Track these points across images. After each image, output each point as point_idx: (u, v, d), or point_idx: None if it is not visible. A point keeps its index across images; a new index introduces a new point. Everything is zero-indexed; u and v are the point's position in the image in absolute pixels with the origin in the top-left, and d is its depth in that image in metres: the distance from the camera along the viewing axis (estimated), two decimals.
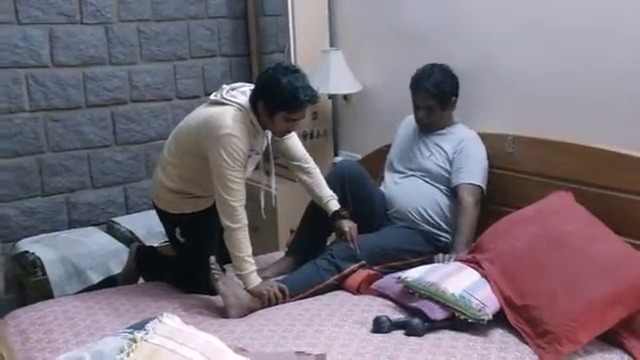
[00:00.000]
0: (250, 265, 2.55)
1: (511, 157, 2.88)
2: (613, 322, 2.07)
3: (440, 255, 2.68)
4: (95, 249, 3.61)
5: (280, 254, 3.08)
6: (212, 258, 2.51)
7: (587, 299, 2.10)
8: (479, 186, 2.85)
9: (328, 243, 2.92)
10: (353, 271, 2.68)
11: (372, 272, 2.68)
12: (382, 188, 3.05)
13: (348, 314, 2.38)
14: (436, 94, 2.89)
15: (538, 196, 2.60)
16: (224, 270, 2.73)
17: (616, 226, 2.35)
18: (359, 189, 2.93)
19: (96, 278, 3.51)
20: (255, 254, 2.67)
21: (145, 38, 4.07)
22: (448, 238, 2.89)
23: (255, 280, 2.55)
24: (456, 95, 2.97)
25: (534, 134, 2.79)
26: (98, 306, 2.58)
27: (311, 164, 2.87)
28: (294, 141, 2.85)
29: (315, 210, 2.90)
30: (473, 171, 2.87)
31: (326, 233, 2.92)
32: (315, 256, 2.75)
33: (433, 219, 2.89)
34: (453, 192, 2.90)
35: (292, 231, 3.16)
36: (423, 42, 3.30)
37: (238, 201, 2.53)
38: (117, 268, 3.48)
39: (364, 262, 2.71)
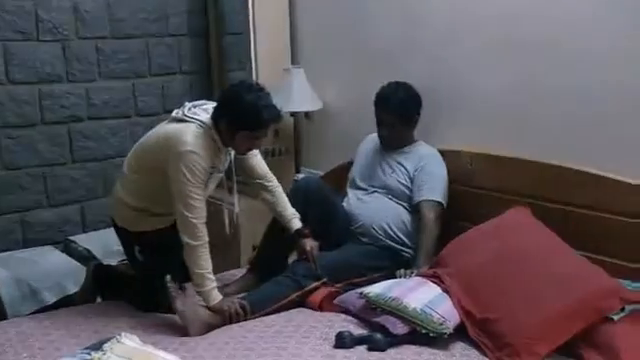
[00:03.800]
0: (210, 282, 2.52)
1: (470, 174, 2.92)
2: (571, 335, 2.10)
3: (402, 270, 2.69)
4: (51, 269, 3.52)
5: (242, 271, 3.05)
6: (168, 277, 2.47)
7: (545, 312, 2.13)
8: (440, 202, 2.88)
9: (290, 261, 2.90)
10: (315, 288, 2.67)
11: (334, 289, 2.67)
12: (344, 204, 3.06)
13: (311, 330, 2.37)
14: (400, 112, 2.94)
15: (497, 211, 2.64)
16: (182, 288, 2.70)
17: (572, 240, 2.40)
18: (321, 205, 2.94)
19: (52, 298, 3.42)
20: (217, 271, 2.64)
21: (103, 55, 4.02)
22: (410, 253, 2.91)
23: (216, 297, 2.52)
24: (419, 113, 3.01)
25: (492, 151, 2.85)
26: (54, 326, 2.52)
27: (274, 182, 2.87)
28: (257, 159, 2.85)
29: (277, 227, 2.89)
30: (434, 188, 2.90)
31: (288, 250, 2.90)
32: (277, 273, 2.74)
33: (397, 235, 2.91)
34: (415, 209, 2.92)
35: (254, 248, 3.15)
36: (383, 60, 3.35)
37: (199, 218, 2.51)
38: (74, 288, 3.40)
39: (325, 280, 2.71)
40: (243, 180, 2.93)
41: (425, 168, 2.94)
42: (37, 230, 3.89)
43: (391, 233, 2.90)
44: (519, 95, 2.76)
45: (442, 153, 2.99)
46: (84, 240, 3.87)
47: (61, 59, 3.88)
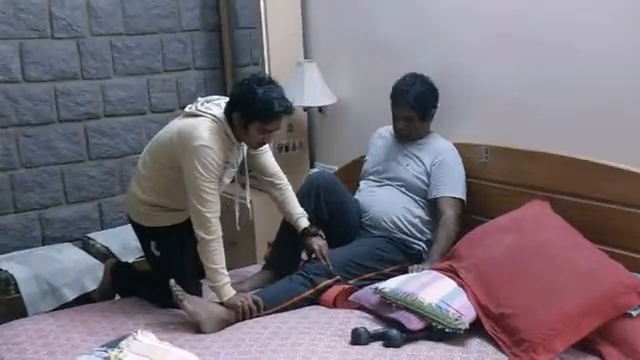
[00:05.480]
0: (224, 277, 2.53)
1: (485, 167, 2.90)
2: (589, 330, 2.08)
3: (415, 266, 2.68)
4: (70, 266, 3.56)
5: (258, 267, 3.06)
6: (172, 281, 2.47)
7: (563, 308, 2.11)
8: (460, 199, 2.87)
9: (303, 257, 2.91)
10: (328, 286, 2.67)
11: (347, 286, 2.67)
12: (356, 196, 3.06)
13: (326, 326, 2.37)
14: (416, 105, 2.91)
15: (512, 205, 2.62)
16: (199, 283, 2.71)
17: (591, 234, 2.38)
18: (333, 199, 2.93)
19: (71, 295, 3.47)
20: (232, 267, 2.65)
21: (118, 52, 4.05)
22: (421, 246, 2.90)
23: (229, 292, 2.52)
24: (435, 106, 2.99)
25: (508, 144, 2.82)
26: (72, 324, 2.54)
27: (284, 181, 2.87)
28: (268, 157, 2.85)
29: (290, 224, 2.88)
30: (453, 184, 2.88)
31: (302, 247, 2.90)
32: (292, 270, 2.74)
33: (407, 228, 2.90)
34: (432, 204, 2.91)
35: (269, 244, 3.15)
36: (397, 53, 3.32)
37: (212, 212, 2.52)
38: (92, 285, 3.45)
39: (339, 277, 2.70)
40: (254, 175, 2.93)
41: (443, 163, 2.91)
42: (56, 227, 3.94)
43: (401, 226, 2.89)
44: (535, 88, 2.72)
45: (456, 146, 2.97)
46: (102, 237, 3.91)
47: (76, 56, 3.92)
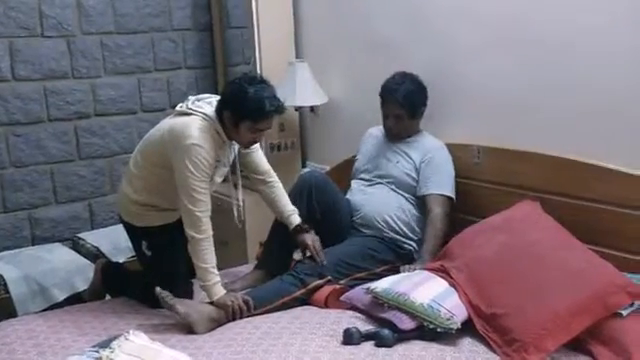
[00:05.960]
0: (214, 276, 2.52)
1: (477, 167, 2.91)
2: (579, 330, 2.09)
3: (407, 266, 2.68)
4: (59, 266, 3.54)
5: (249, 267, 3.06)
6: (158, 289, 2.46)
7: (554, 307, 2.12)
8: (449, 197, 2.87)
9: (295, 256, 2.91)
10: (319, 286, 2.66)
11: (338, 286, 2.66)
12: (348, 195, 3.06)
13: (318, 327, 2.37)
14: (406, 104, 2.92)
15: (504, 205, 2.63)
16: (190, 283, 2.71)
17: (581, 234, 2.38)
18: (325, 199, 2.94)
19: (61, 295, 3.46)
20: (224, 267, 2.64)
21: (108, 51, 4.04)
22: (412, 245, 2.91)
23: (219, 291, 2.51)
24: (425, 105, 2.99)
25: (500, 144, 2.83)
26: (62, 324, 2.53)
27: (274, 178, 2.88)
28: (259, 155, 2.86)
29: (282, 223, 2.88)
30: (442, 181, 2.89)
31: (294, 246, 2.90)
32: (284, 270, 2.74)
33: (399, 227, 2.90)
34: (420, 201, 2.92)
35: (261, 244, 3.15)
36: (389, 53, 3.33)
37: (203, 211, 2.51)
38: (82, 285, 3.43)
39: (330, 277, 2.69)
40: (246, 175, 2.93)
41: (432, 161, 2.92)
42: (45, 227, 3.92)
43: (393, 225, 2.90)
44: (531, 88, 2.72)
45: (448, 146, 2.98)
46: (92, 237, 3.90)
47: (66, 55, 3.91)
